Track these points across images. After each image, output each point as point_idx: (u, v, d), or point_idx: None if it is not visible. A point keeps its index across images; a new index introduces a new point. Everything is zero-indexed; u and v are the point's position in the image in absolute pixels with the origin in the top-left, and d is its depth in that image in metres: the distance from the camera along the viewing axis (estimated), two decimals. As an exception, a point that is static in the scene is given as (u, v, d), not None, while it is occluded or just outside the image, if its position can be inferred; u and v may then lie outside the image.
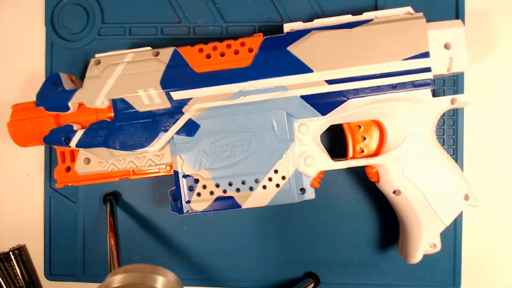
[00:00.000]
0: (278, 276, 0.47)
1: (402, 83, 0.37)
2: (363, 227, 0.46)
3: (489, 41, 0.45)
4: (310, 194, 0.39)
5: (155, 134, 0.38)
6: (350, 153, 0.40)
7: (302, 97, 0.37)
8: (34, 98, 0.40)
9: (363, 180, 0.45)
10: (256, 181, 0.38)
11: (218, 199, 0.38)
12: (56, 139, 0.39)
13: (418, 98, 0.37)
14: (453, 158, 0.43)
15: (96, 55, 0.39)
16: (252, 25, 0.46)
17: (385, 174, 0.38)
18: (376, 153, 0.40)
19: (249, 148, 0.38)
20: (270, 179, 0.38)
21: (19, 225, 0.43)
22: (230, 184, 0.38)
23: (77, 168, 0.40)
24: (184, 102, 0.38)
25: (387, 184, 0.39)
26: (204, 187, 0.38)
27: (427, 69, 0.37)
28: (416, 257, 0.39)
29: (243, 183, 0.38)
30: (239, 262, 0.47)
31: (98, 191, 0.47)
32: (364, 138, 0.40)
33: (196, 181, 0.38)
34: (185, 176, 0.38)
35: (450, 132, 0.44)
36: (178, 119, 0.38)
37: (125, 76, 0.39)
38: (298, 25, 0.39)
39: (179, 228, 0.47)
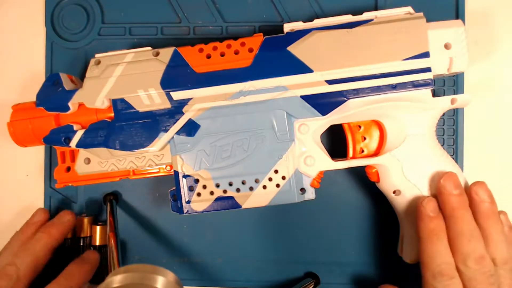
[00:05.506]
0: (278, 276, 0.47)
1: (402, 83, 0.37)
2: (363, 227, 0.46)
3: (489, 41, 0.45)
4: (310, 194, 0.39)
5: (155, 134, 0.38)
6: (350, 153, 0.40)
7: (302, 97, 0.37)
8: (34, 98, 0.40)
9: (363, 180, 0.45)
10: (256, 181, 0.38)
11: (218, 199, 0.38)
12: (56, 139, 0.39)
13: (418, 98, 0.37)
14: (453, 158, 0.43)
15: (96, 55, 0.39)
16: (252, 25, 0.46)
17: (385, 174, 0.38)
18: (376, 153, 0.40)
19: (249, 148, 0.38)
20: (270, 179, 0.38)
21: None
22: (230, 184, 0.38)
23: (77, 168, 0.40)
24: (184, 102, 0.38)
25: (387, 184, 0.39)
26: (204, 187, 0.38)
27: (427, 69, 0.37)
28: (416, 256, 0.39)
29: (243, 183, 0.38)
30: (239, 262, 0.47)
31: (98, 191, 0.47)
32: (364, 138, 0.40)
33: (196, 181, 0.38)
34: (185, 176, 0.38)
35: (450, 132, 0.44)
36: (178, 119, 0.38)
37: (125, 76, 0.39)
38: (298, 25, 0.39)
39: (179, 228, 0.47)
